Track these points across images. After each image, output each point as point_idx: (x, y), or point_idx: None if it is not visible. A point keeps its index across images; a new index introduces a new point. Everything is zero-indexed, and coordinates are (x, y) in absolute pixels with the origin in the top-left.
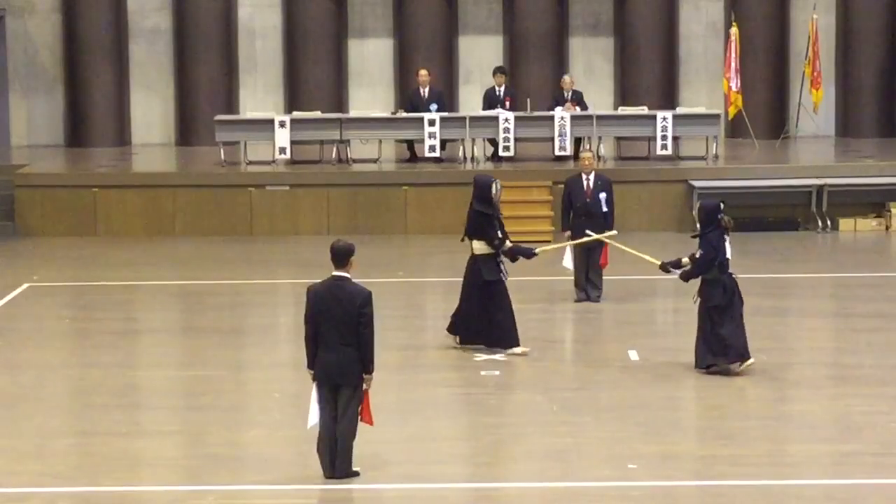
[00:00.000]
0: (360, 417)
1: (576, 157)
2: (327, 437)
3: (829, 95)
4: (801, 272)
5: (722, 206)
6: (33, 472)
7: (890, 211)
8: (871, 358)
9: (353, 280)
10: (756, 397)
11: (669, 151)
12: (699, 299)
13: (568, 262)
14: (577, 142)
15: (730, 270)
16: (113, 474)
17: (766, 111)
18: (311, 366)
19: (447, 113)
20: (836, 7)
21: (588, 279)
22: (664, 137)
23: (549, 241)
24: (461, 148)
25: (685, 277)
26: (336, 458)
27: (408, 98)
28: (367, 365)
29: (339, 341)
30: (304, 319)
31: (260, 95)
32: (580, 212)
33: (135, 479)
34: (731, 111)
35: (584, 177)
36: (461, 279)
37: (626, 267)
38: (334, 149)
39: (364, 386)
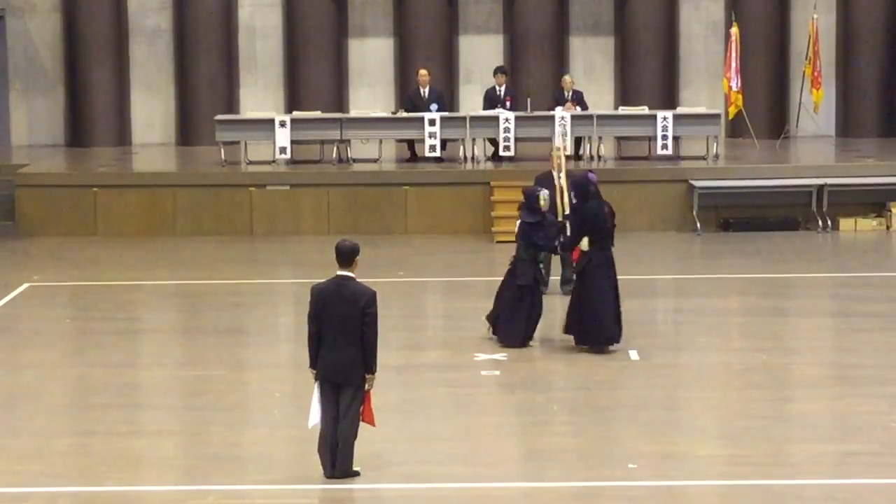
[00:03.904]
0: (361, 418)
1: (577, 156)
2: (328, 437)
3: (829, 95)
4: (801, 272)
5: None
6: (33, 472)
7: (890, 211)
8: (871, 358)
9: (358, 280)
10: (756, 397)
11: (670, 151)
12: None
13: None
14: (578, 141)
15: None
16: (113, 474)
17: (766, 111)
18: (313, 365)
19: (447, 113)
20: (837, 7)
21: (562, 276)
22: (664, 137)
23: None
24: (461, 148)
25: (566, 247)
26: (337, 457)
27: (408, 98)
28: (369, 365)
29: (343, 341)
30: (307, 318)
31: (260, 95)
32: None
33: (135, 479)
34: (732, 111)
35: (554, 175)
36: (462, 278)
37: (627, 267)
38: (335, 148)
39: (366, 386)
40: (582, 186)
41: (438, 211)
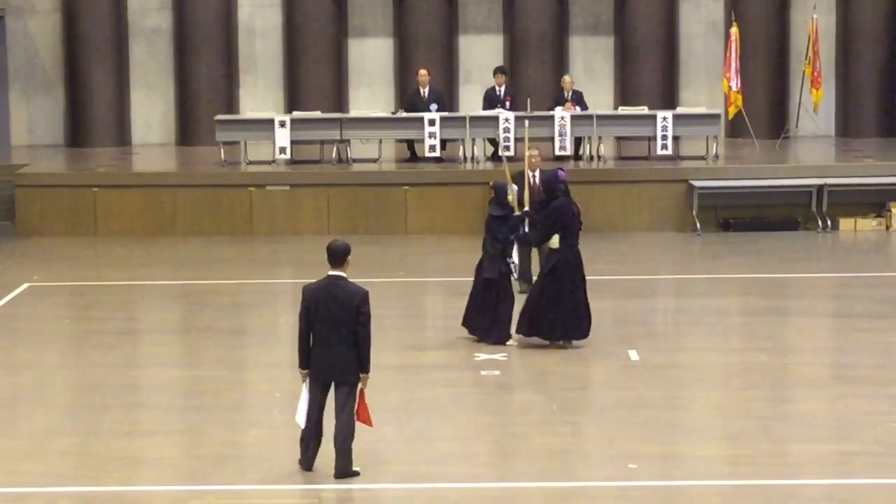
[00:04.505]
0: (356, 417)
1: (577, 157)
2: (313, 433)
3: (829, 95)
4: (801, 272)
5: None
6: (33, 472)
7: (890, 211)
8: (871, 358)
9: (350, 279)
10: (756, 397)
11: (669, 151)
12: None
13: (514, 255)
14: (578, 141)
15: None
16: (113, 474)
17: (766, 111)
18: (303, 365)
19: (447, 113)
20: (836, 7)
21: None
22: (664, 137)
23: None
24: (461, 148)
25: (523, 241)
26: (336, 458)
27: (408, 98)
28: (364, 364)
29: (337, 340)
30: (298, 318)
31: (260, 95)
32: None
33: (135, 479)
34: (732, 111)
35: (530, 174)
36: (462, 279)
37: (627, 267)
38: (334, 149)
39: (360, 385)
40: (550, 184)
41: (438, 211)
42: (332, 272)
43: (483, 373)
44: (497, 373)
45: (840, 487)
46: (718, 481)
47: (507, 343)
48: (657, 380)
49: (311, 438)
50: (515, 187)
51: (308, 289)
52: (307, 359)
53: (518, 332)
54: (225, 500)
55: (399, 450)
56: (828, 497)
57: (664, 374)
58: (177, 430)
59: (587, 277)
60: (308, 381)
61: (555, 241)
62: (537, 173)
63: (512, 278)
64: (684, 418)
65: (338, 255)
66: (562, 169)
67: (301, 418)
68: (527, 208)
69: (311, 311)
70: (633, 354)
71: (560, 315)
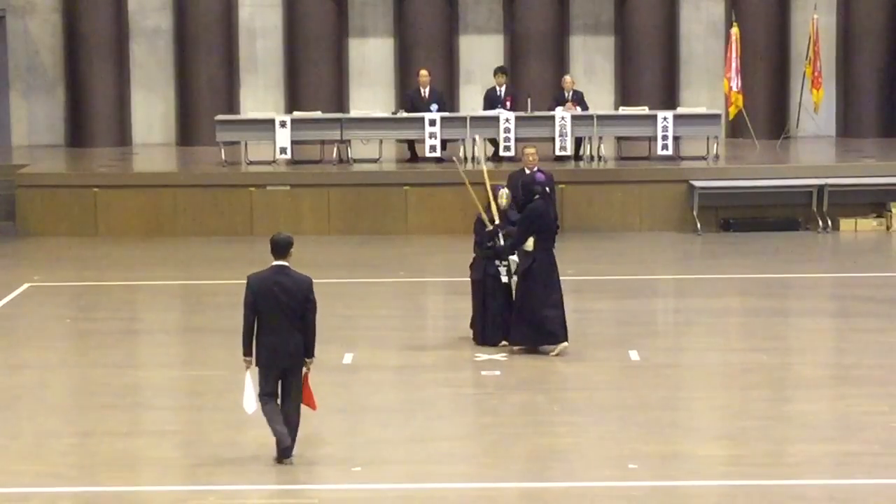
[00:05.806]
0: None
1: (577, 157)
2: (283, 419)
3: (829, 95)
4: (801, 272)
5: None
6: (33, 472)
7: (890, 211)
8: (871, 358)
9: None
10: (756, 397)
11: (670, 151)
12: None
13: (514, 255)
14: (578, 142)
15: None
16: (113, 474)
17: (766, 111)
18: (248, 353)
19: (448, 113)
20: (837, 7)
21: None
22: (665, 137)
23: None
24: (462, 148)
25: (511, 248)
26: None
27: (408, 98)
28: (310, 350)
29: (289, 328)
30: (244, 307)
31: (260, 95)
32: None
33: (135, 479)
34: (732, 111)
35: (527, 172)
36: (462, 279)
37: (627, 267)
38: (335, 149)
39: (304, 370)
40: (528, 185)
41: (438, 211)
42: (276, 262)
43: (483, 373)
44: (497, 373)
45: (840, 487)
46: (718, 481)
47: (499, 344)
48: (657, 380)
49: (283, 429)
50: (507, 190)
51: (255, 278)
52: (251, 347)
53: (521, 343)
54: (225, 500)
55: (399, 450)
56: (828, 497)
57: (664, 374)
58: (177, 430)
59: (587, 278)
60: (252, 369)
61: (529, 244)
62: (535, 170)
63: (508, 279)
64: (684, 418)
65: (282, 246)
66: (542, 171)
67: (249, 406)
68: (497, 222)
69: (258, 301)
70: (633, 354)
71: (540, 319)
